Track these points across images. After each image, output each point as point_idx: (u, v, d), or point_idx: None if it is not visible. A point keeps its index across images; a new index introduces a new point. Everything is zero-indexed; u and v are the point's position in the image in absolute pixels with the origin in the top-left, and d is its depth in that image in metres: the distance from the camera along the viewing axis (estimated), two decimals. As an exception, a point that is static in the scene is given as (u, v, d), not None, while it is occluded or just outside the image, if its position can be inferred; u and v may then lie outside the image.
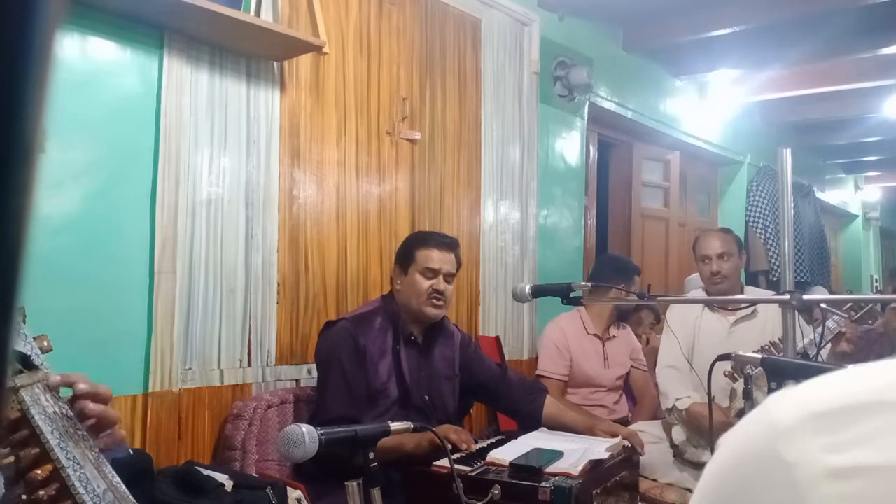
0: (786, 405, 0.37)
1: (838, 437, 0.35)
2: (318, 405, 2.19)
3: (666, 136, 4.80)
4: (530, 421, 2.40)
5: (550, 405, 2.44)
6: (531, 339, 3.42)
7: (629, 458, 2.16)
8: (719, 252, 2.88)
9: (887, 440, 0.34)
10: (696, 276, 3.30)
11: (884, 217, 9.31)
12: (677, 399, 2.83)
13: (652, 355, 3.26)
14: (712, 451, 0.42)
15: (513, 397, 2.45)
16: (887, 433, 0.34)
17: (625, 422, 3.10)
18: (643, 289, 3.34)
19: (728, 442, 0.40)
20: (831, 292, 6.09)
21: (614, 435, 2.25)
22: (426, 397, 2.28)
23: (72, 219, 1.95)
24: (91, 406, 0.95)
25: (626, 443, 2.21)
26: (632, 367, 3.31)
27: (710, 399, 1.63)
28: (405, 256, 2.32)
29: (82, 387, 0.95)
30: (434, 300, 2.26)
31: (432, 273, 2.26)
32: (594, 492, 1.86)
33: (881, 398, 0.35)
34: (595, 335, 3.19)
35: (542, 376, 3.10)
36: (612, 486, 1.97)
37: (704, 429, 2.55)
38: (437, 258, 2.28)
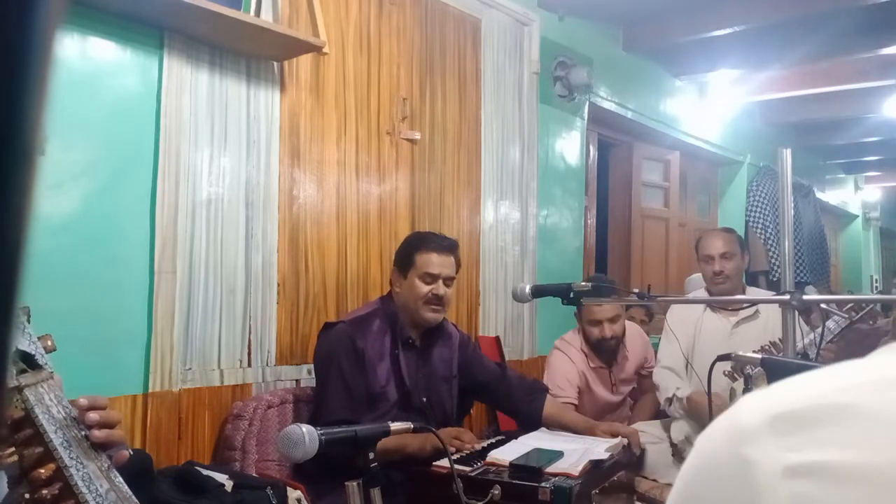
0: (750, 408, 0.39)
1: (797, 437, 0.36)
2: (319, 408, 2.19)
3: (666, 136, 4.80)
4: (530, 421, 2.40)
5: (550, 405, 2.44)
6: (531, 339, 3.42)
7: (626, 458, 2.16)
8: (722, 252, 2.87)
9: (844, 440, 0.35)
10: (697, 276, 3.29)
11: (884, 217, 9.30)
12: (677, 388, 2.81)
13: None
14: None
15: (512, 397, 2.45)
16: (844, 433, 0.35)
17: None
18: (642, 288, 3.32)
19: (698, 445, 0.41)
20: (830, 292, 6.09)
21: (614, 435, 2.24)
22: (424, 399, 2.28)
23: (72, 219, 1.95)
24: (96, 434, 0.96)
25: (626, 442, 2.21)
26: (640, 375, 3.24)
27: (710, 399, 1.63)
28: (404, 260, 2.31)
29: (93, 416, 0.96)
30: (433, 305, 2.26)
31: (432, 278, 2.25)
32: (593, 492, 1.86)
33: (840, 399, 0.36)
34: (599, 367, 3.02)
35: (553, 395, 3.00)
36: (610, 486, 1.97)
37: (705, 416, 2.53)
38: (436, 262, 2.26)
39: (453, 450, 2.03)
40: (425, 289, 2.24)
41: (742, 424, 0.38)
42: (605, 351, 2.97)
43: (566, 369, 2.98)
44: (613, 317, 2.88)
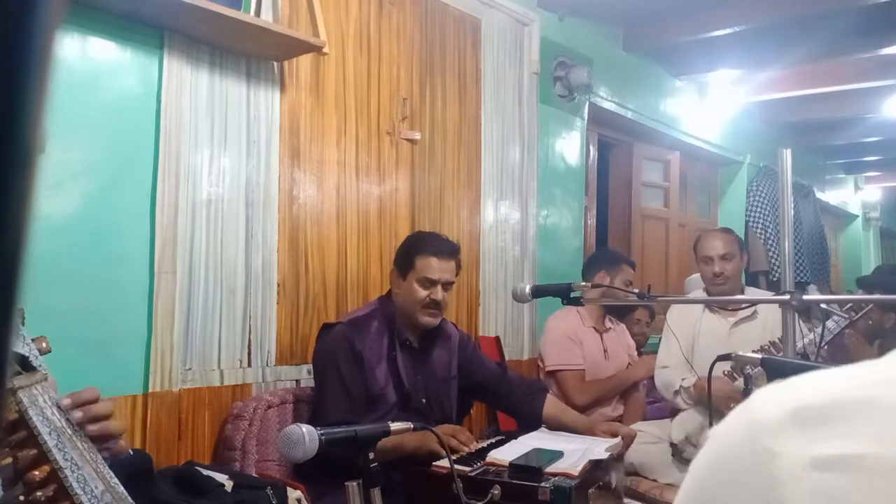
0: (768, 403, 0.39)
1: (821, 430, 0.36)
2: (317, 410, 2.18)
3: (666, 136, 4.80)
4: (530, 421, 2.39)
5: (550, 405, 2.44)
6: (531, 339, 3.41)
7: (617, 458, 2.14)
8: (721, 253, 2.87)
9: (868, 433, 0.35)
10: (696, 276, 3.30)
11: (884, 217, 9.30)
12: (683, 379, 2.81)
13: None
14: None
15: (512, 397, 2.45)
16: (869, 426, 0.35)
17: (619, 420, 3.11)
18: (643, 288, 3.34)
19: (712, 439, 0.41)
20: (830, 292, 6.09)
21: (614, 434, 2.24)
22: (424, 400, 2.27)
23: (72, 219, 1.94)
24: (90, 428, 0.96)
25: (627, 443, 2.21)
26: (628, 364, 3.31)
27: (710, 399, 1.63)
28: (404, 262, 2.29)
29: (77, 415, 0.95)
30: (430, 309, 2.24)
31: (431, 283, 2.23)
32: (589, 491, 1.86)
33: (862, 394, 0.37)
34: (592, 328, 3.19)
35: (559, 370, 3.07)
36: (605, 485, 1.97)
37: (715, 400, 2.48)
38: (436, 267, 2.24)
39: (453, 444, 2.02)
40: (423, 293, 2.23)
41: (761, 418, 0.38)
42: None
43: (564, 331, 3.12)
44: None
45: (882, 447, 0.34)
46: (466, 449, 2.03)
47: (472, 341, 2.56)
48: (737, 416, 0.40)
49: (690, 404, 2.83)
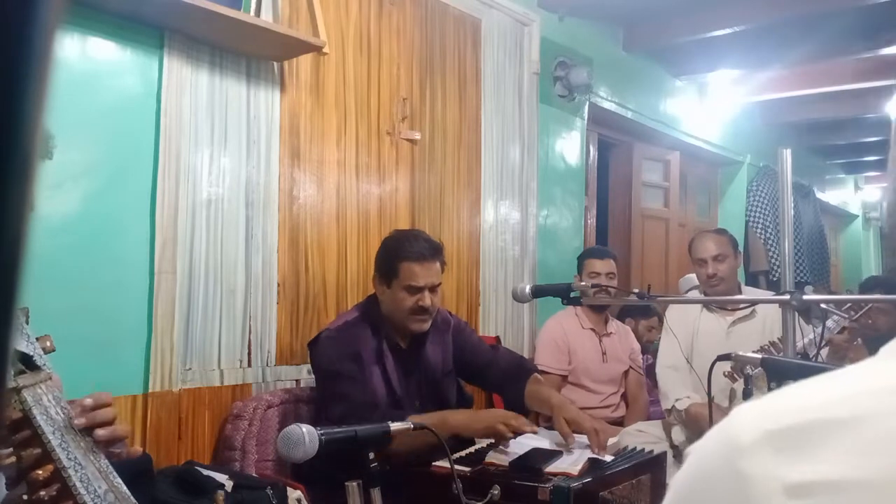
0: (746, 422, 0.38)
1: (797, 454, 0.35)
2: (333, 417, 2.04)
3: (666, 136, 4.80)
4: (515, 404, 2.33)
5: (532, 383, 2.33)
6: (531, 339, 3.42)
7: (654, 458, 2.10)
8: (714, 255, 2.87)
9: (844, 456, 0.34)
10: (690, 275, 3.30)
11: (883, 217, 9.30)
12: (677, 399, 2.82)
13: None
14: None
15: (500, 380, 2.39)
16: (844, 448, 0.35)
17: (621, 422, 3.11)
18: (643, 288, 3.34)
19: (692, 456, 0.41)
20: (830, 292, 6.09)
21: (575, 425, 2.08)
22: (418, 403, 2.21)
23: (72, 219, 1.95)
24: (99, 433, 0.96)
25: (628, 444, 2.20)
26: (630, 367, 3.32)
27: (710, 399, 1.63)
28: (386, 268, 2.19)
29: (80, 421, 0.95)
30: (419, 316, 2.17)
31: (417, 290, 2.15)
32: (600, 494, 1.84)
33: (839, 413, 0.36)
34: (591, 329, 3.20)
35: (541, 371, 3.08)
36: (624, 489, 1.92)
37: (704, 430, 2.54)
38: (420, 274, 2.14)
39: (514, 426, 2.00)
40: (410, 301, 2.15)
41: (738, 439, 0.37)
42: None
43: (553, 335, 3.15)
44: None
45: (862, 470, 0.34)
46: (528, 429, 2.01)
47: (467, 327, 2.46)
48: (716, 434, 0.39)
49: (677, 424, 2.84)
